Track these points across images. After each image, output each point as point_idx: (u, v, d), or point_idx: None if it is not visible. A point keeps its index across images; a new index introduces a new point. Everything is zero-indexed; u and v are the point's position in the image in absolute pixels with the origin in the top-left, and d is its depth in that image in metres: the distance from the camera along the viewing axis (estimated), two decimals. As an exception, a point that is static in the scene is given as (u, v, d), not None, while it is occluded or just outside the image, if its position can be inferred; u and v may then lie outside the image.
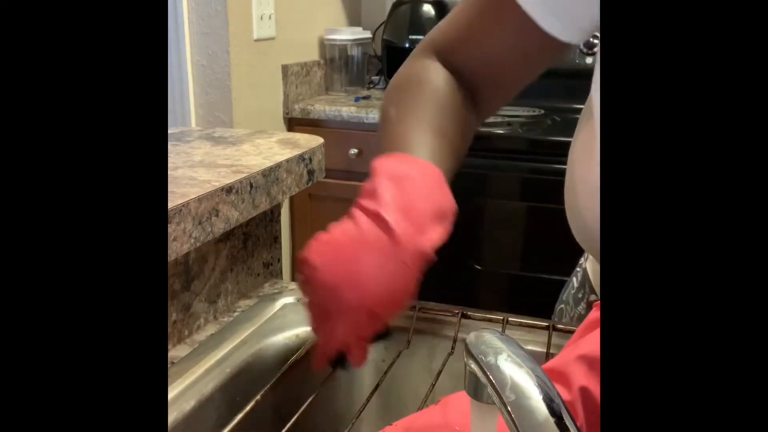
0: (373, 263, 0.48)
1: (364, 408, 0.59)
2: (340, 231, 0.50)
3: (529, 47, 0.62)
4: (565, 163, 0.76)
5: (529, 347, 0.65)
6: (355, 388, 0.72)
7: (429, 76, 0.63)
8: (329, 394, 0.69)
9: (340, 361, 0.55)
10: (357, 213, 0.50)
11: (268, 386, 0.61)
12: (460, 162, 0.61)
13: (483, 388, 0.41)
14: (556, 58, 0.64)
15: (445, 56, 0.64)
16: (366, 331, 0.52)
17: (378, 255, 0.48)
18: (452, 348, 0.66)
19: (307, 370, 0.60)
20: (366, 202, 0.50)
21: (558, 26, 0.59)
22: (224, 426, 0.56)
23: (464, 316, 0.69)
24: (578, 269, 0.89)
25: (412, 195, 0.50)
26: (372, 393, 0.62)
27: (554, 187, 0.83)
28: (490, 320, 0.70)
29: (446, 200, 0.52)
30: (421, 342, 0.69)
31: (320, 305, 0.52)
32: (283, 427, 0.54)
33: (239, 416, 0.55)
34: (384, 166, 0.52)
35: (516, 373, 0.36)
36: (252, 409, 0.57)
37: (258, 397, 0.58)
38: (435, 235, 0.50)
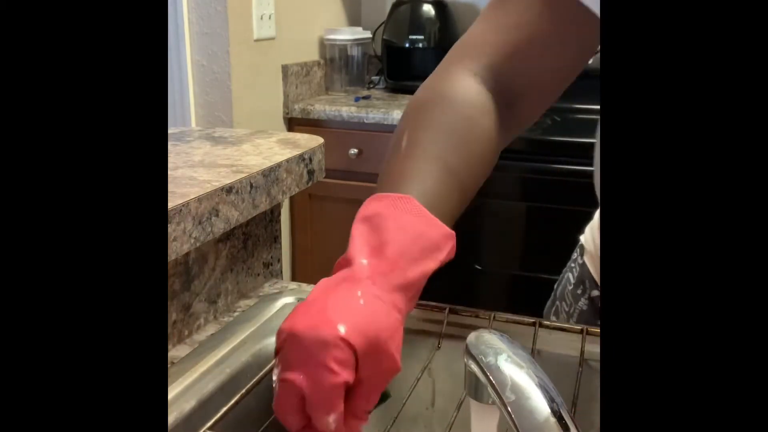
0: (342, 301, 0.44)
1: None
2: (314, 292, 0.47)
3: (577, 44, 0.60)
4: (565, 163, 0.77)
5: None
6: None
7: (455, 94, 0.59)
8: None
9: None
10: (334, 269, 0.48)
11: (255, 379, 0.61)
12: (468, 197, 0.57)
13: (483, 388, 0.41)
14: (588, 60, 0.62)
15: (486, 63, 0.60)
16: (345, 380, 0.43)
17: (347, 293, 0.45)
18: (438, 344, 0.66)
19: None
20: (343, 257, 0.48)
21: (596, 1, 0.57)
22: (224, 426, 0.56)
23: (452, 311, 0.70)
24: (573, 264, 0.88)
25: (384, 233, 0.48)
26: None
27: (554, 187, 0.83)
28: (477, 316, 0.70)
29: (431, 229, 0.49)
30: (421, 342, 0.69)
31: (299, 363, 0.43)
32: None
33: (224, 409, 0.55)
34: (363, 210, 0.51)
35: (516, 374, 0.36)
36: (250, 408, 0.57)
37: (243, 390, 0.58)
38: (417, 268, 0.47)
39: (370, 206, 0.51)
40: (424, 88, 0.62)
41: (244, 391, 0.57)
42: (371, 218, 0.49)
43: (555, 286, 0.92)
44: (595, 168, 0.73)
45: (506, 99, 0.61)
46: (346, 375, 0.42)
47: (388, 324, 0.45)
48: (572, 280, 0.87)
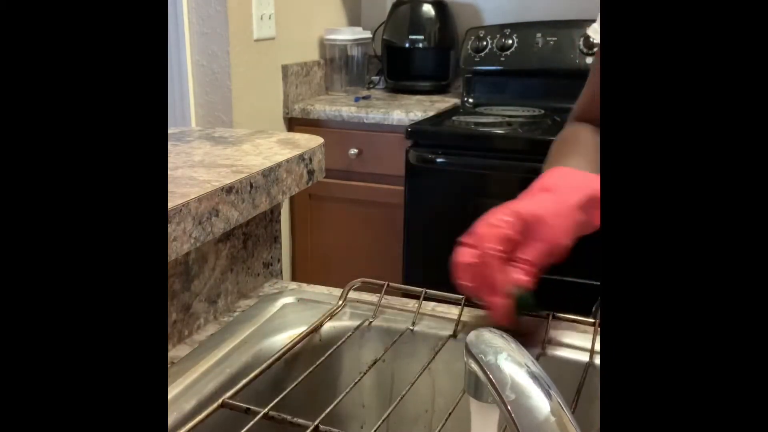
0: (521, 197, 0.65)
1: (353, 388, 0.59)
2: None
3: None
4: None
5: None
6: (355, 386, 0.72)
7: (582, 133, 0.81)
8: (328, 394, 0.69)
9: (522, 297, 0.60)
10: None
11: (252, 375, 0.61)
12: None
13: (483, 387, 0.41)
14: None
15: (587, 120, 0.82)
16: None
17: (525, 195, 0.66)
18: (454, 332, 0.67)
19: (304, 366, 0.61)
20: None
21: None
22: (224, 427, 0.56)
23: (467, 303, 0.70)
24: None
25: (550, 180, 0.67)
26: (369, 368, 0.62)
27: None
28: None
29: (587, 179, 0.66)
30: (421, 341, 0.69)
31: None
32: (284, 424, 0.54)
33: (244, 381, 0.55)
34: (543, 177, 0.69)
35: (516, 373, 0.36)
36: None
37: (239, 386, 0.58)
38: (580, 192, 0.64)
39: (555, 171, 0.70)
40: (557, 138, 0.87)
41: (270, 361, 0.61)
42: (542, 181, 0.68)
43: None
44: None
45: None
46: (513, 233, 0.60)
47: (556, 210, 0.63)
48: None
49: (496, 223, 0.61)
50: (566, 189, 0.65)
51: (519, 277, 0.60)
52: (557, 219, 0.62)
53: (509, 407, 0.35)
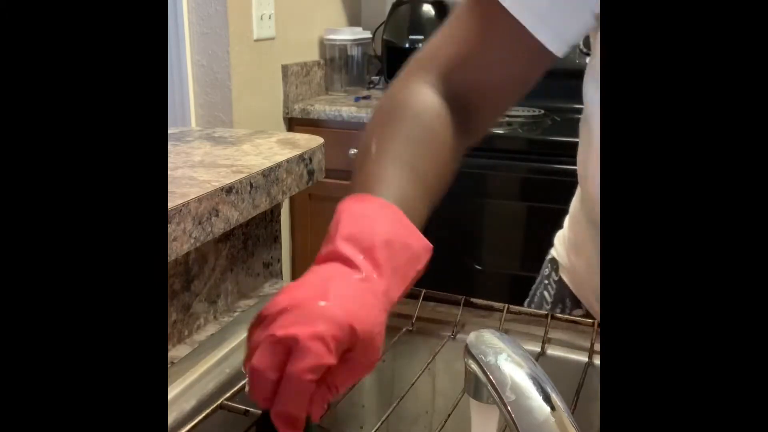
0: (346, 290, 0.46)
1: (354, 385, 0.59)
2: (313, 277, 0.48)
3: (523, 59, 0.63)
4: (565, 163, 0.76)
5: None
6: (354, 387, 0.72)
7: (415, 104, 0.62)
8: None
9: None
10: (319, 260, 0.50)
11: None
12: (435, 202, 0.59)
13: (483, 388, 0.41)
14: (541, 73, 0.65)
15: (438, 74, 0.64)
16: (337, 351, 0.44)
17: (349, 284, 0.46)
18: (454, 332, 0.66)
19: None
20: (331, 249, 0.49)
21: (549, 36, 0.61)
22: (224, 428, 0.56)
23: (467, 304, 0.70)
24: (546, 281, 0.85)
25: (374, 237, 0.49)
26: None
27: (554, 187, 0.83)
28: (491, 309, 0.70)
29: (414, 241, 0.51)
30: (421, 341, 0.69)
31: (300, 324, 0.44)
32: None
33: (209, 408, 0.55)
34: (349, 207, 0.52)
35: (516, 373, 0.36)
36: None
37: (237, 387, 0.58)
38: (401, 277, 0.49)
39: (356, 206, 0.52)
40: (387, 97, 0.65)
41: (237, 388, 0.57)
42: (360, 219, 0.51)
43: (525, 304, 0.87)
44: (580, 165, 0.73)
45: (459, 107, 0.63)
46: (333, 358, 0.43)
47: (381, 320, 0.46)
48: (549, 299, 0.83)
49: (315, 349, 0.43)
50: (393, 266, 0.48)
51: (320, 408, 0.46)
52: (376, 326, 0.46)
53: (509, 408, 0.35)
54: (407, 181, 0.55)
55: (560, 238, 0.85)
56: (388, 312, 0.48)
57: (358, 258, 0.48)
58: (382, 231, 0.49)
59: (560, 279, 0.83)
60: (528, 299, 0.88)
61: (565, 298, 0.82)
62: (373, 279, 0.47)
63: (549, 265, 0.85)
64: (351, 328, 0.44)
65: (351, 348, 0.44)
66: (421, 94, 0.63)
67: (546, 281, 0.85)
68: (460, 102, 0.63)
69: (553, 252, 0.85)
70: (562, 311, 0.81)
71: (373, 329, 0.45)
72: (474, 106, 0.64)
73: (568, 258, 0.82)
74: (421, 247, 0.51)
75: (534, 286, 0.88)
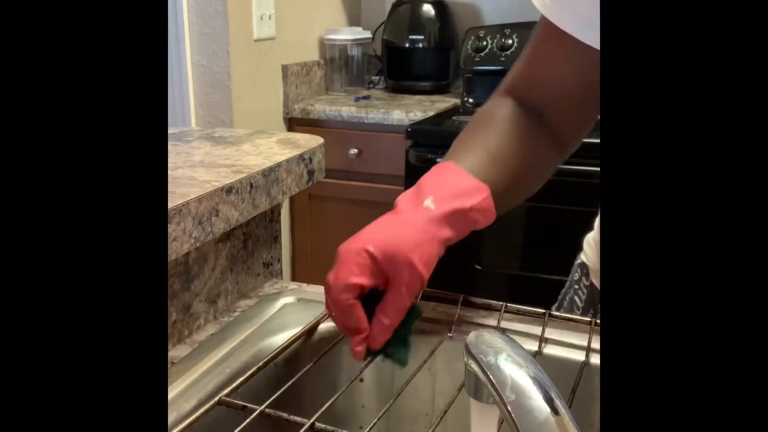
0: (375, 225, 0.57)
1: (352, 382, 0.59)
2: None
3: (584, 67, 0.66)
4: (565, 163, 0.76)
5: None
6: (354, 385, 0.72)
7: (498, 113, 0.70)
8: (328, 393, 0.69)
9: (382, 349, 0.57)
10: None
11: (248, 374, 0.61)
12: (516, 182, 0.65)
13: (483, 387, 0.41)
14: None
15: (518, 94, 0.70)
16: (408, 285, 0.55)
17: (381, 219, 0.58)
18: (453, 331, 0.67)
19: (304, 366, 0.61)
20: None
21: (597, 38, 0.63)
22: (225, 427, 0.56)
23: (465, 303, 0.70)
24: (576, 287, 0.83)
25: (422, 186, 0.59)
26: (365, 366, 0.62)
27: (554, 187, 0.83)
28: (489, 308, 0.71)
29: (463, 180, 0.60)
30: (420, 341, 0.69)
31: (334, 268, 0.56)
32: (284, 421, 0.54)
33: (240, 378, 0.55)
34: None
35: (516, 373, 0.36)
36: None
37: (236, 384, 0.58)
38: (448, 204, 0.58)
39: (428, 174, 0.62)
40: (476, 113, 0.74)
41: (267, 359, 0.62)
42: (418, 183, 0.60)
43: (553, 309, 0.85)
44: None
45: (542, 123, 0.69)
46: (361, 279, 0.54)
47: (414, 239, 0.55)
48: (580, 304, 0.82)
49: (344, 270, 0.55)
50: (437, 198, 0.58)
51: (379, 327, 0.56)
52: (415, 253, 0.55)
53: (509, 408, 0.35)
54: (481, 155, 0.64)
55: (590, 241, 0.83)
56: (439, 237, 0.57)
57: (402, 199, 0.59)
58: (429, 180, 0.60)
59: (591, 284, 0.81)
60: (557, 304, 0.87)
61: (597, 302, 0.80)
62: (409, 212, 0.57)
63: (579, 269, 0.84)
64: (371, 253, 0.54)
65: (380, 270, 0.55)
66: (503, 106, 0.70)
67: (576, 286, 0.83)
68: (542, 115, 0.69)
69: (583, 256, 0.84)
70: (594, 315, 0.80)
71: (397, 250, 0.54)
72: (553, 118, 0.69)
73: (597, 259, 0.80)
74: (470, 184, 0.60)
75: (563, 291, 0.86)
